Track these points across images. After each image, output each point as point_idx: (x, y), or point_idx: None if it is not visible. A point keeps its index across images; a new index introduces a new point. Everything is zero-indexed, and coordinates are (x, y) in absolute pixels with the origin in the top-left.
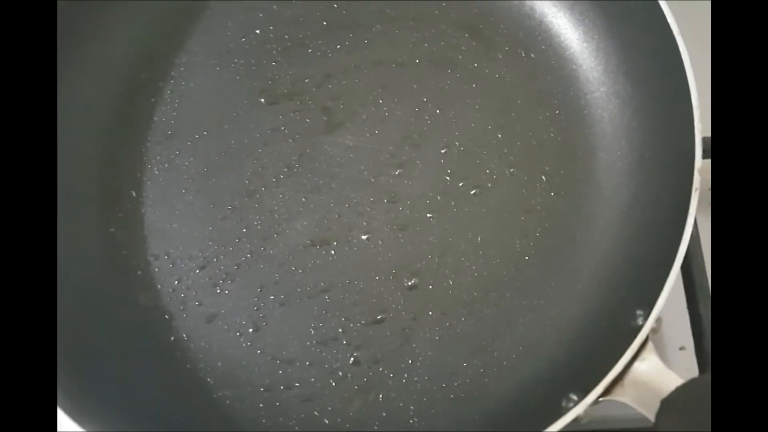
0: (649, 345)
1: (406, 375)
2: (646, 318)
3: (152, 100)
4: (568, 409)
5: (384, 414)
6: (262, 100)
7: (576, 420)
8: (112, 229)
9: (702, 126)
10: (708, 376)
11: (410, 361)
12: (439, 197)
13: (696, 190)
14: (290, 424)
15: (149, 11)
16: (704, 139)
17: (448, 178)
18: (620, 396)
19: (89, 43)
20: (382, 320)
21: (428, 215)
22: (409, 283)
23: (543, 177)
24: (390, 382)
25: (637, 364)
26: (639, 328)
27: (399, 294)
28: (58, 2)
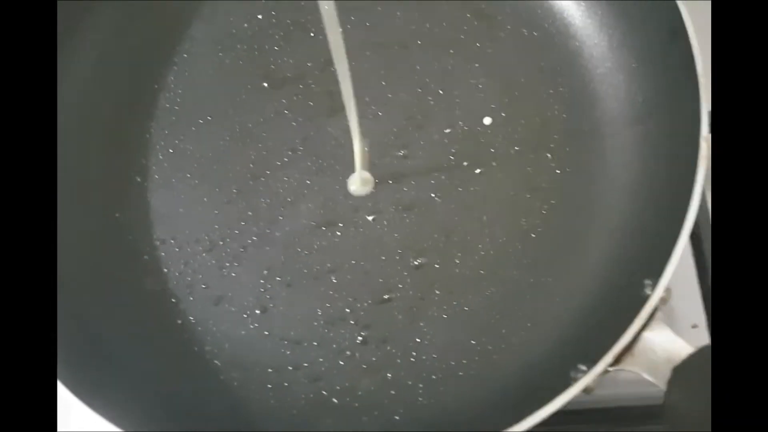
0: (659, 315)
1: (414, 354)
2: (654, 287)
3: (155, 86)
4: (576, 380)
5: (392, 392)
6: (265, 84)
7: (586, 391)
8: (117, 215)
9: (708, 96)
10: None
11: (418, 340)
12: (443, 177)
13: (703, 159)
14: (299, 404)
15: None
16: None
17: (452, 158)
18: (631, 365)
19: (91, 30)
20: (389, 300)
21: (433, 195)
22: (416, 263)
23: (548, 154)
24: (398, 360)
25: (647, 334)
26: (647, 298)
27: (405, 274)
28: None
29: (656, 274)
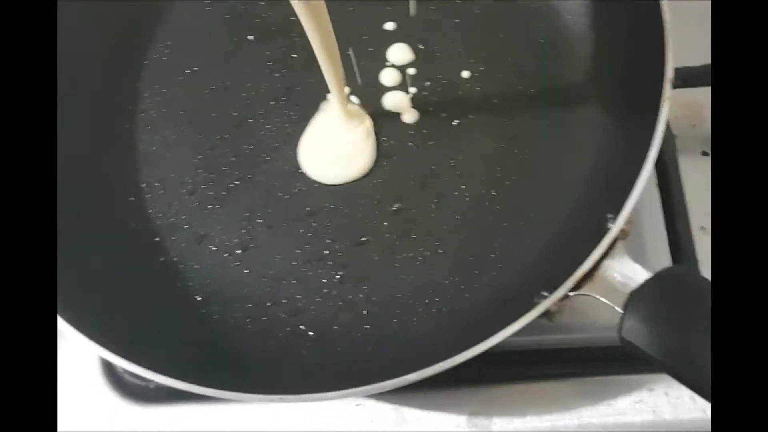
0: (619, 244)
1: (389, 292)
2: (615, 220)
3: (145, 38)
4: (538, 304)
5: (367, 327)
6: (251, 37)
7: (548, 317)
8: (105, 158)
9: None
10: (674, 267)
11: (393, 280)
12: (422, 128)
13: (666, 101)
14: (276, 336)
15: None
16: (677, 69)
17: (431, 108)
18: (590, 291)
19: None
20: (366, 242)
21: (411, 144)
22: (393, 208)
23: (524, 106)
24: (373, 298)
25: (607, 262)
26: (609, 230)
27: (383, 218)
28: None
29: (618, 207)
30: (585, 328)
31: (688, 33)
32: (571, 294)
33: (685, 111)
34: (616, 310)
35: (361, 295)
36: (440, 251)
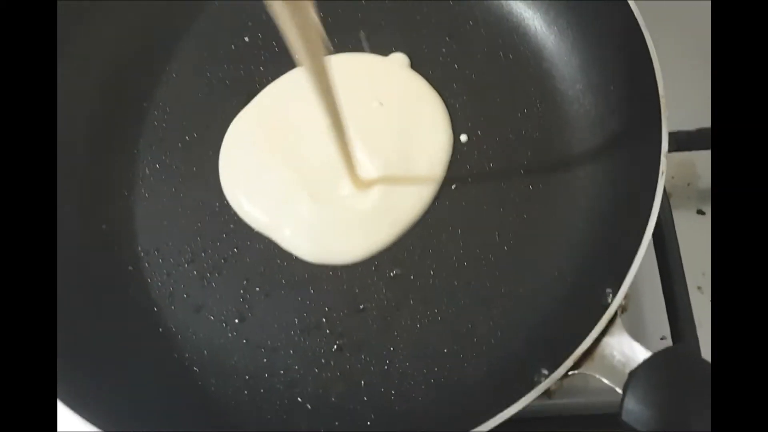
0: (618, 321)
1: (387, 361)
2: (614, 295)
3: (144, 104)
4: (539, 383)
5: (365, 398)
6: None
7: (548, 395)
8: (104, 227)
9: (670, 121)
10: (674, 347)
11: (392, 348)
12: None
13: (662, 174)
14: (274, 409)
15: (142, 17)
16: (672, 134)
17: None
18: (590, 370)
19: (84, 49)
20: (364, 309)
21: None
22: (392, 274)
23: (521, 170)
24: (372, 368)
25: (606, 339)
26: (608, 306)
27: (381, 284)
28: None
29: (617, 283)
30: (584, 405)
31: (682, 95)
32: (571, 373)
33: (679, 169)
34: (616, 390)
35: (358, 365)
36: (439, 318)
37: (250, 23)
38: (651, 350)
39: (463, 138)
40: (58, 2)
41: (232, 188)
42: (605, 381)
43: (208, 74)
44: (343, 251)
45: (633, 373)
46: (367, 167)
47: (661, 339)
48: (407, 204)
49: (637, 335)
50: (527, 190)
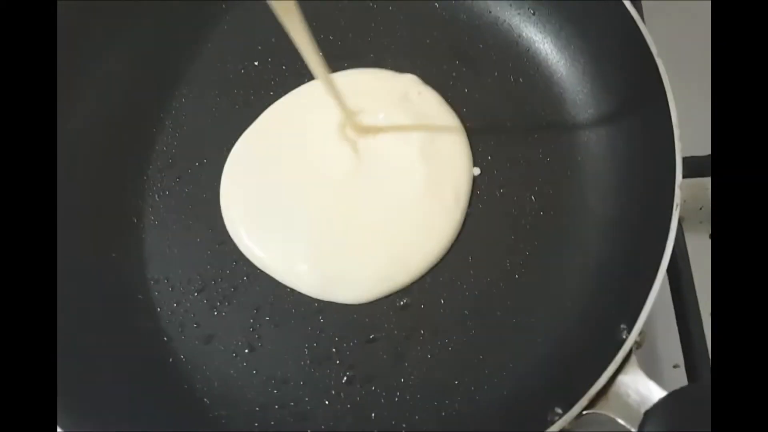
0: (633, 358)
1: (398, 393)
2: (629, 331)
3: (153, 129)
4: (552, 423)
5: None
6: None
7: None
8: (113, 255)
9: (682, 146)
10: (690, 386)
11: (402, 380)
12: None
13: (677, 207)
14: None
15: (151, 42)
16: (686, 159)
17: None
18: (604, 409)
19: (91, 73)
20: (374, 339)
21: None
22: (401, 303)
23: (532, 197)
24: (382, 400)
25: (620, 378)
26: (622, 342)
27: (391, 313)
28: (61, 32)
29: (631, 318)
30: None
31: (692, 120)
32: (585, 412)
33: (691, 192)
34: (630, 430)
35: (369, 397)
36: (449, 349)
37: (259, 47)
38: (664, 380)
39: (476, 171)
40: (65, 32)
41: (234, 226)
42: (620, 421)
43: (218, 98)
44: (350, 297)
45: (649, 413)
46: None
47: (674, 367)
48: (420, 254)
49: (649, 363)
50: (538, 216)
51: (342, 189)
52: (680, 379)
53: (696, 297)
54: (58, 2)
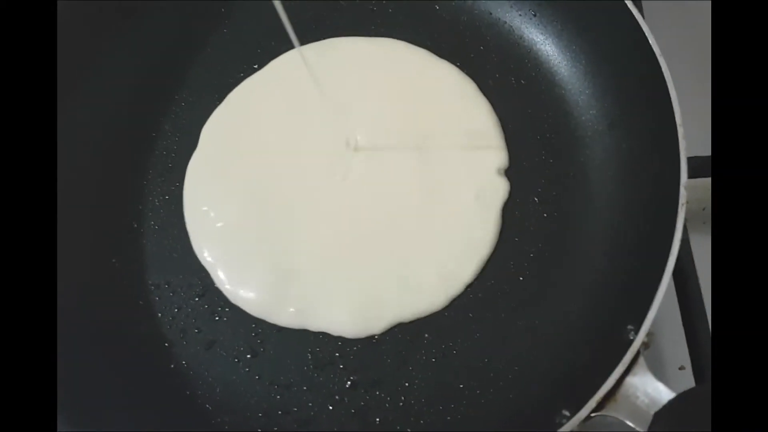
0: (641, 360)
1: (402, 398)
2: (636, 333)
3: (153, 134)
4: (561, 425)
5: None
6: None
7: None
8: (113, 260)
9: (686, 145)
10: (699, 387)
11: (407, 384)
12: None
13: (682, 206)
14: None
15: (151, 47)
16: (689, 159)
17: None
18: (613, 411)
19: (92, 78)
20: (378, 343)
21: None
22: None
23: (536, 198)
24: (387, 405)
25: (629, 379)
26: (630, 343)
27: None
28: (61, 38)
29: (639, 319)
30: None
31: (696, 120)
32: (593, 415)
33: (694, 193)
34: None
35: (373, 402)
36: (454, 352)
37: (259, 50)
38: (669, 381)
39: None
40: (65, 38)
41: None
42: (629, 423)
43: (218, 103)
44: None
45: (658, 415)
46: None
47: (680, 369)
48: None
49: (655, 365)
50: (542, 219)
51: (337, 218)
52: (685, 380)
53: (701, 297)
54: (59, 4)
